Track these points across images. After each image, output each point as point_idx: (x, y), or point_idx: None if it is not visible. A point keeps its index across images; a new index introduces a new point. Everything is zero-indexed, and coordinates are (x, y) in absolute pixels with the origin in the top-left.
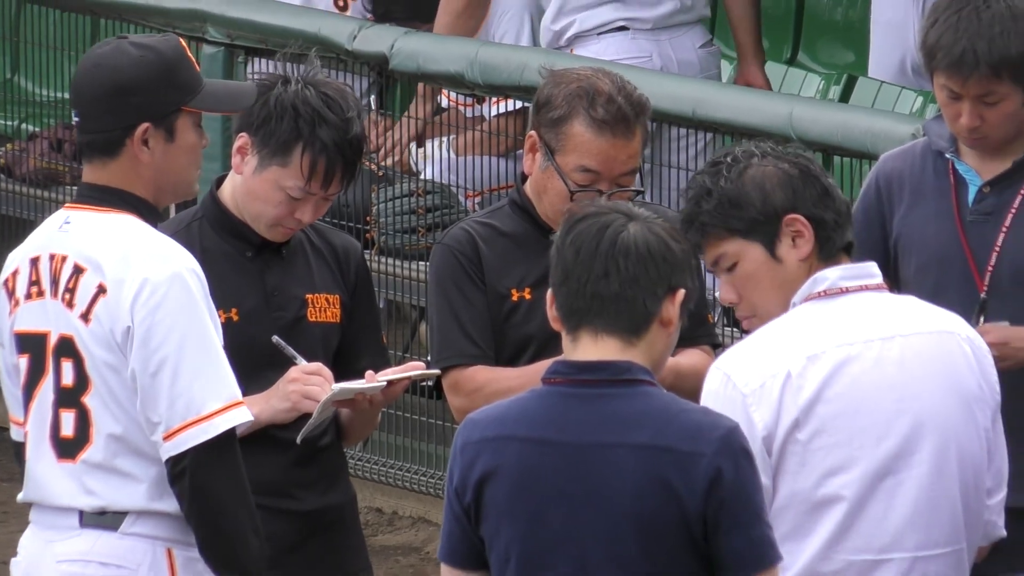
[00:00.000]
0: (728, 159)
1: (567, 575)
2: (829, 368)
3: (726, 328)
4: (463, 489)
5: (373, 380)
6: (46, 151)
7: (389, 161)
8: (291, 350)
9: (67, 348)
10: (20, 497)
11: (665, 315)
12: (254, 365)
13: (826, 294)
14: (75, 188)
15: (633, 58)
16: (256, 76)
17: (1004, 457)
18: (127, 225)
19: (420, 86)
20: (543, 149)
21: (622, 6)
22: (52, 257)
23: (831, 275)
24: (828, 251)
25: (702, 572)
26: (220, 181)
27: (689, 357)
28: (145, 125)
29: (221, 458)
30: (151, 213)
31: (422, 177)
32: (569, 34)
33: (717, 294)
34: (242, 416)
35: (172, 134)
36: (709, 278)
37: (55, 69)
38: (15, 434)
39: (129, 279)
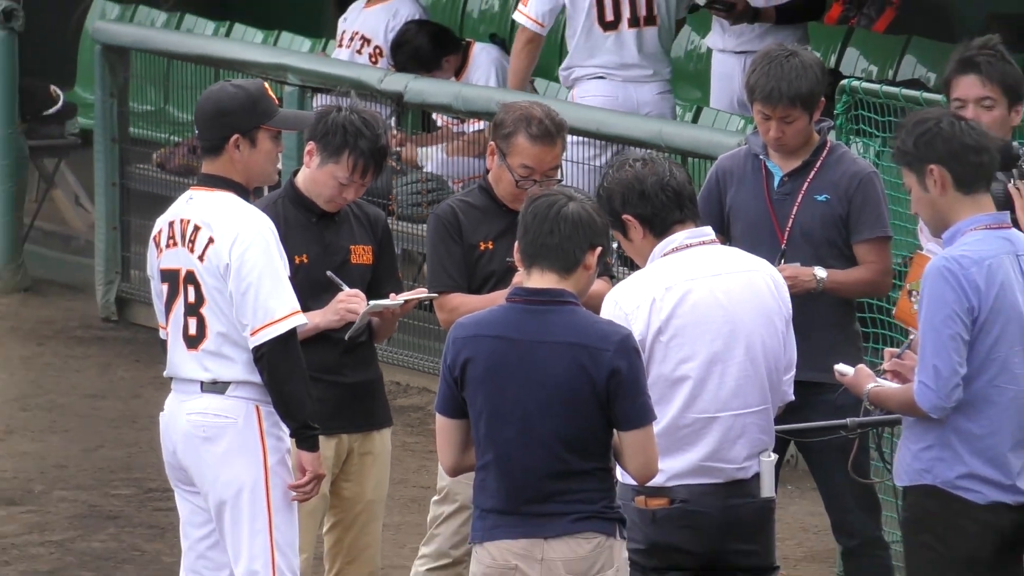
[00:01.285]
0: (603, 178)
1: (519, 425)
2: (679, 295)
3: (621, 268)
4: (453, 367)
5: (394, 300)
6: (186, 154)
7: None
8: (339, 280)
9: (191, 278)
10: (165, 373)
11: (588, 262)
12: (316, 291)
13: (676, 249)
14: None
15: (607, 95)
16: (319, 106)
17: (794, 350)
18: (228, 200)
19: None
20: (498, 154)
21: (604, 66)
22: (181, 220)
23: (679, 237)
24: (658, 229)
25: (606, 425)
26: (295, 172)
27: (596, 285)
28: (235, 136)
29: (286, 347)
30: (244, 192)
31: (425, 170)
32: (573, 76)
33: (614, 244)
34: (299, 320)
35: (254, 143)
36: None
37: (191, 100)
38: (162, 335)
39: (228, 233)
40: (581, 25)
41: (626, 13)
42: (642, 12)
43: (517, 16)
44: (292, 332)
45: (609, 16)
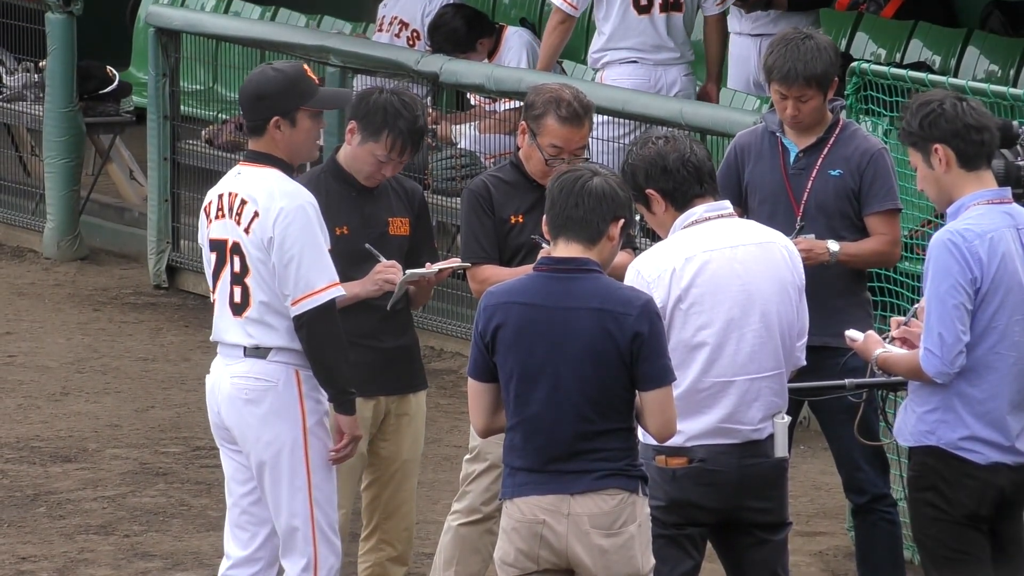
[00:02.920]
0: (628, 155)
1: (547, 386)
2: (698, 265)
3: (644, 239)
4: (485, 333)
5: (430, 269)
6: (233, 130)
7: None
8: (376, 252)
9: (237, 249)
10: (211, 338)
11: (611, 233)
12: (356, 260)
13: (696, 222)
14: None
15: (639, 79)
16: (360, 87)
17: (806, 317)
18: (273, 175)
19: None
20: (529, 133)
21: (636, 50)
22: (230, 194)
23: (698, 211)
24: (679, 202)
25: (630, 385)
26: (337, 148)
27: (619, 256)
28: (276, 117)
29: (325, 317)
30: (287, 168)
31: (459, 147)
32: (604, 60)
33: (637, 217)
34: (337, 292)
35: (294, 123)
36: None
37: (238, 80)
38: (212, 300)
39: (272, 208)
40: (616, 9)
41: None
42: None
43: None
44: (331, 303)
45: (644, 1)
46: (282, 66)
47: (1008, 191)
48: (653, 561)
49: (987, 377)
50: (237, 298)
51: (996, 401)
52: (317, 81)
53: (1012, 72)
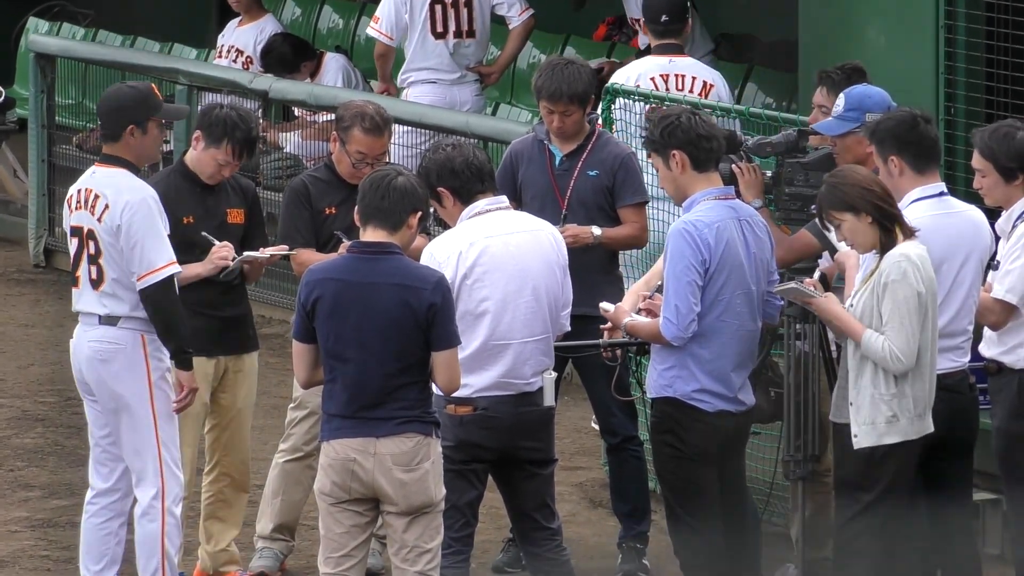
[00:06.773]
0: (423, 159)
1: (358, 348)
2: (480, 248)
3: (437, 227)
4: (307, 303)
5: (262, 253)
6: (99, 137)
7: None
8: (211, 238)
9: (92, 235)
10: (72, 308)
11: (410, 222)
12: (200, 245)
13: (479, 213)
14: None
15: (436, 97)
16: (204, 103)
17: (570, 292)
18: (121, 175)
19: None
20: (339, 141)
21: (434, 71)
22: (86, 190)
23: (480, 204)
24: (464, 197)
25: (425, 346)
26: (185, 153)
27: (416, 241)
28: (131, 126)
29: (164, 290)
30: (135, 169)
31: (285, 151)
32: (409, 80)
33: (431, 209)
34: (174, 269)
35: (145, 131)
36: None
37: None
38: (76, 276)
39: (120, 201)
40: (417, 35)
41: (452, 27)
42: (464, 27)
43: (370, 31)
44: (170, 278)
45: (439, 28)
46: (135, 84)
47: (732, 189)
48: (444, 491)
49: (714, 340)
50: (93, 275)
51: (722, 360)
52: (162, 98)
53: (736, 91)
